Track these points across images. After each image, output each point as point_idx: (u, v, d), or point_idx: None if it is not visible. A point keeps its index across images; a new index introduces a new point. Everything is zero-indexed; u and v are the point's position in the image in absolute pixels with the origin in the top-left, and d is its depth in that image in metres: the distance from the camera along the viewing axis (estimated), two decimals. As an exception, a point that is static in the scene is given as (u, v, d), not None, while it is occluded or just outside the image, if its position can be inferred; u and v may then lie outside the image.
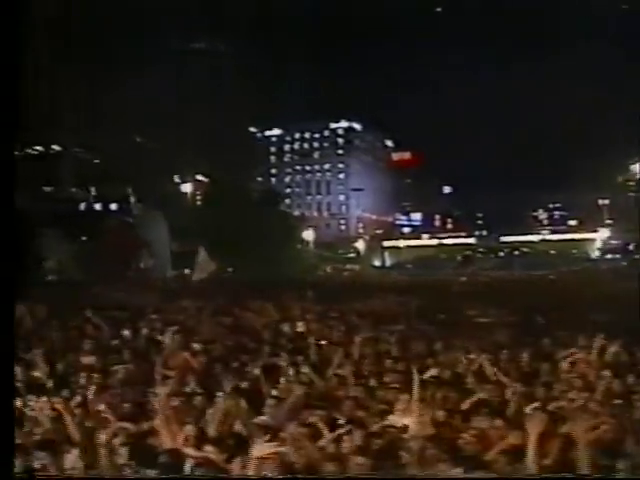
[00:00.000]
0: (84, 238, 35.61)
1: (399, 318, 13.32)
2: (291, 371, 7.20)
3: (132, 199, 52.36)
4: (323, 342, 9.16)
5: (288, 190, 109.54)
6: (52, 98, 73.87)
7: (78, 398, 6.37)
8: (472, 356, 8.26)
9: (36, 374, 7.62)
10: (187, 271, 33.49)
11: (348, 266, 73.55)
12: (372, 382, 7.02)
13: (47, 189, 76.52)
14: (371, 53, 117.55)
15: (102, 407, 5.96)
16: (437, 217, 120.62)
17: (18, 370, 7.10)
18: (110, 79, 74.97)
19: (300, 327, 10.87)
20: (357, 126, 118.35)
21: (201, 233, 40.35)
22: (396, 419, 5.70)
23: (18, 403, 5.92)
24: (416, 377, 6.24)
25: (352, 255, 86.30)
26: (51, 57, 71.92)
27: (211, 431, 5.20)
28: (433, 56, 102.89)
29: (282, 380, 6.86)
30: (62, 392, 6.72)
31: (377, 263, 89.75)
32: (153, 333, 10.48)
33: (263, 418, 5.63)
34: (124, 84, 74.52)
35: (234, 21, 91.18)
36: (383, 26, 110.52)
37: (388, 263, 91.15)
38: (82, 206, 54.77)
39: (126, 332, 10.31)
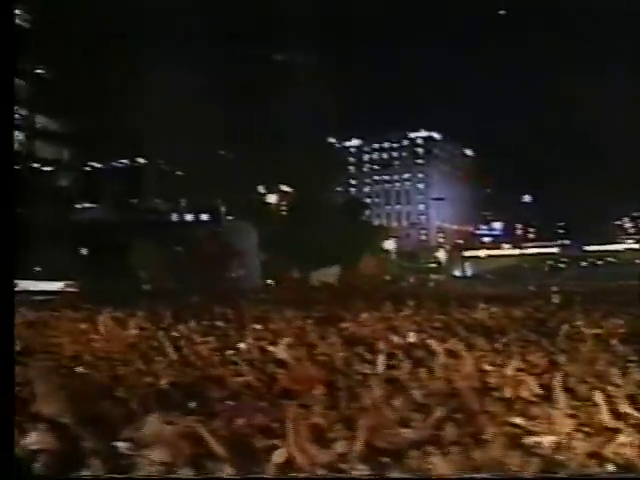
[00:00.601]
0: (178, 248, 36.33)
1: (507, 329, 12.83)
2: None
3: (221, 210, 53.32)
4: (442, 352, 8.84)
5: (368, 200, 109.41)
6: (138, 113, 76.11)
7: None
8: (601, 368, 7.82)
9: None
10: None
11: (432, 276, 72.82)
12: (507, 394, 6.71)
13: (134, 201, 78.88)
14: (449, 62, 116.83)
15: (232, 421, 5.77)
16: (518, 226, 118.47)
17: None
18: (191, 92, 76.53)
19: (411, 337, 10.54)
20: (436, 135, 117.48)
21: (286, 242, 40.76)
22: (547, 436, 5.38)
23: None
24: (558, 390, 5.91)
25: (433, 265, 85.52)
26: (135, 71, 73.92)
27: (357, 447, 4.99)
28: (511, 63, 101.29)
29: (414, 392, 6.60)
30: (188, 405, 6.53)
31: (457, 273, 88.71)
32: (262, 344, 10.28)
33: (408, 431, 5.39)
34: (205, 99, 76.08)
35: (313, 31, 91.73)
36: (458, 34, 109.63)
37: (469, 273, 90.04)
38: (174, 217, 56.11)
39: (241, 345, 10.16)
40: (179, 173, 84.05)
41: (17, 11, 69.01)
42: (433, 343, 8.92)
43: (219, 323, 13.46)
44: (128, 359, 8.41)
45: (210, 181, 70.69)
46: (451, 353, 8.78)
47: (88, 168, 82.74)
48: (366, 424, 4.96)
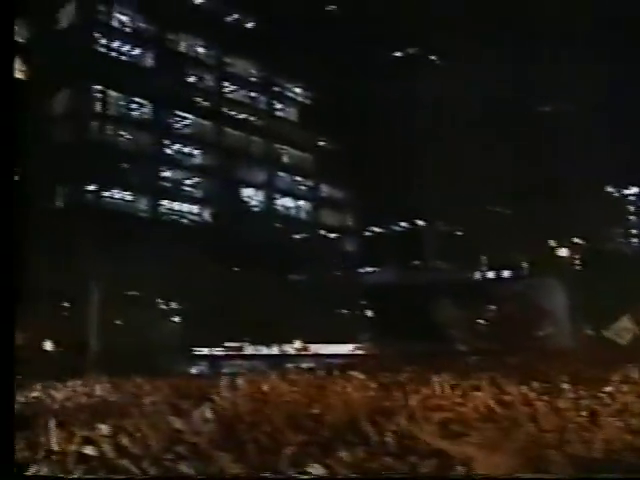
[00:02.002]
0: (486, 307, 34.67)
1: None
2: None
3: (523, 266, 51.01)
4: None
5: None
6: (415, 176, 76.38)
7: None
8: None
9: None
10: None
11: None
12: None
13: (417, 262, 78.51)
14: None
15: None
16: None
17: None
18: (466, 152, 75.39)
19: None
20: None
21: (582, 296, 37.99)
22: None
23: None
24: None
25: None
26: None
27: None
28: None
29: None
30: None
31: None
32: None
33: None
34: (478, 156, 74.44)
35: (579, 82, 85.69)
36: None
37: None
38: (471, 275, 54.83)
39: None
40: (459, 233, 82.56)
41: (297, 89, 73.19)
42: None
43: (564, 385, 11.47)
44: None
45: (493, 239, 68.68)
46: None
47: (369, 233, 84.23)
48: None
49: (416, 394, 10.80)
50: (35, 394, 15.90)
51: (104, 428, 8.07)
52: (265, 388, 12.65)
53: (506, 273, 51.60)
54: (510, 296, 37.87)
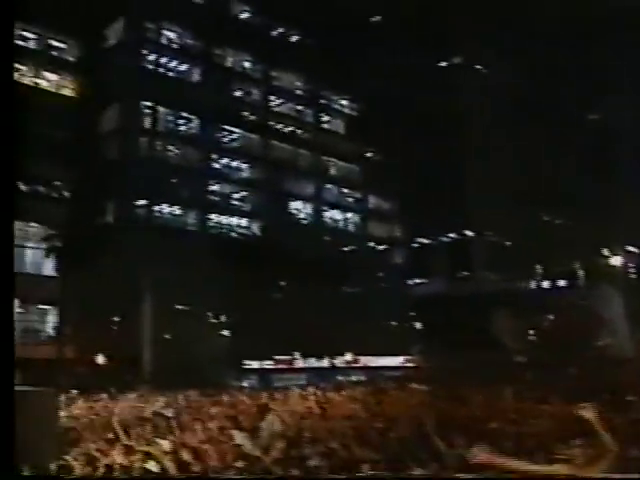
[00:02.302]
0: (543, 317, 33.85)
1: None
2: None
3: (580, 275, 49.87)
4: None
5: None
6: (460, 186, 75.53)
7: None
8: None
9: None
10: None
11: None
12: None
13: (465, 273, 77.64)
14: None
15: None
16: None
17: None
18: (515, 160, 74.36)
19: None
20: None
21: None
22: None
23: None
24: None
25: None
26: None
27: None
28: None
29: None
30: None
31: None
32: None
33: None
34: (526, 165, 73.45)
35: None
36: None
37: None
38: (525, 285, 53.83)
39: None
40: (508, 243, 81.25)
41: (343, 101, 73.19)
42: None
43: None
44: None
45: (544, 248, 67.58)
46: None
47: (417, 244, 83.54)
48: None
49: (483, 406, 10.41)
50: (89, 407, 15.85)
51: (165, 444, 7.86)
52: (323, 401, 12.34)
53: (564, 282, 50.49)
54: (571, 305, 36.92)
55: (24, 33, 51.53)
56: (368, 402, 12.45)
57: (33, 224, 48.50)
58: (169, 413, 12.36)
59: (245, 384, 44.57)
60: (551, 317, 33.31)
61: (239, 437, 7.88)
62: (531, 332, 30.93)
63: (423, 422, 8.87)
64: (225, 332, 52.96)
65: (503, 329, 30.81)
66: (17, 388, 12.03)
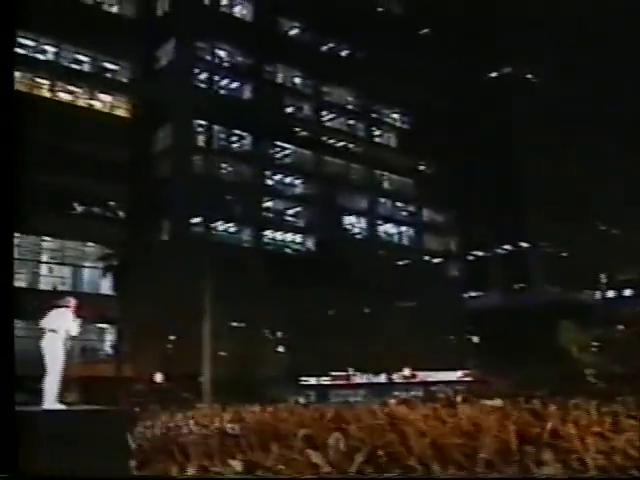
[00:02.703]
0: (614, 327, 32.77)
1: None
2: None
3: None
4: None
5: None
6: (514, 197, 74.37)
7: None
8: None
9: None
10: None
11: None
12: None
13: (522, 285, 76.45)
14: None
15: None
16: None
17: None
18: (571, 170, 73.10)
19: None
20: None
21: None
22: None
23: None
24: None
25: None
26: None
27: None
28: None
29: None
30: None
31: None
32: None
33: None
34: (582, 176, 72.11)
35: None
36: None
37: None
38: (588, 296, 52.58)
39: None
40: (564, 254, 79.93)
41: (395, 114, 72.87)
42: None
43: None
44: None
45: (602, 258, 66.34)
46: None
47: (472, 257, 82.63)
48: None
49: (567, 422, 9.78)
50: (155, 426, 15.61)
51: (236, 464, 7.50)
52: (395, 416, 11.85)
53: (629, 291, 49.12)
54: (633, 315, 35.76)
55: (78, 57, 52.60)
56: (441, 418, 11.89)
57: (90, 244, 49.23)
58: (235, 431, 12.04)
59: (302, 400, 44.20)
60: (620, 327, 32.21)
61: (314, 456, 7.48)
62: (598, 343, 29.95)
63: (508, 439, 8.36)
64: (281, 349, 52.78)
65: (569, 341, 29.87)
66: (81, 407, 11.82)
